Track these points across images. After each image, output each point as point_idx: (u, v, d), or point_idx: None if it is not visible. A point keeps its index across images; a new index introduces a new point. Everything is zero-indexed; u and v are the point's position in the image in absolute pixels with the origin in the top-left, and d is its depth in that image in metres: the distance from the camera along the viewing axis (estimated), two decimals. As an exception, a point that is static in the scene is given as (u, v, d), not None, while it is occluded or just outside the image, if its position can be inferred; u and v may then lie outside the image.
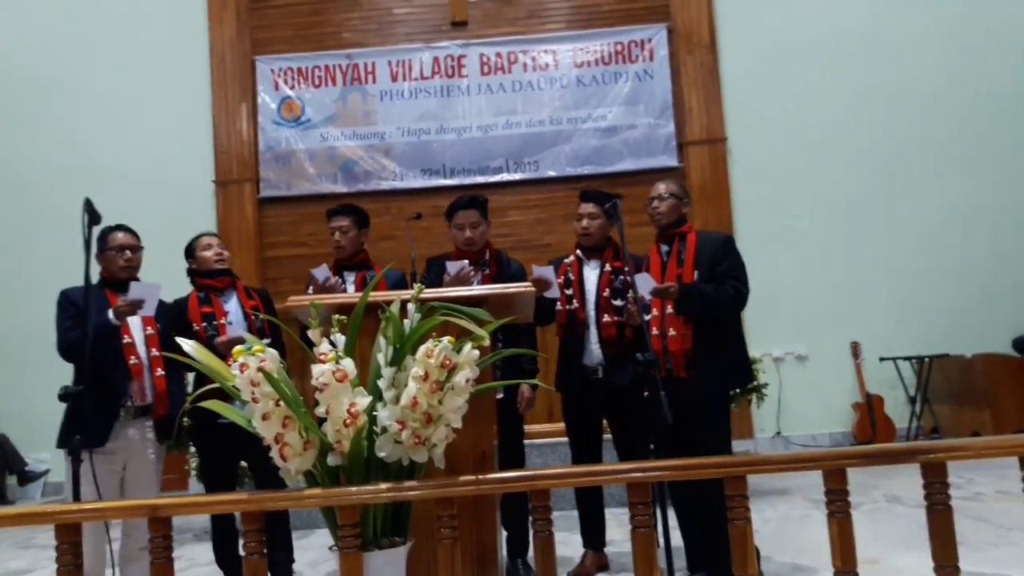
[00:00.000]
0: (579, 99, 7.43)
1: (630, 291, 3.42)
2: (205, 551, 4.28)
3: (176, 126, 7.57)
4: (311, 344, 2.12)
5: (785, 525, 4.35)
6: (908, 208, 7.30)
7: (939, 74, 7.37)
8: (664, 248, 3.40)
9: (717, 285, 3.22)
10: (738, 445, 3.46)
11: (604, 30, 7.50)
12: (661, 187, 3.45)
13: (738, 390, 4.85)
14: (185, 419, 4.10)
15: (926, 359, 6.88)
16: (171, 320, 3.53)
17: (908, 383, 7.06)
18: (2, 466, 6.98)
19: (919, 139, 7.33)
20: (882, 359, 7.03)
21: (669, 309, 3.25)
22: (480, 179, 7.34)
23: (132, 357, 3.33)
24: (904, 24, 7.43)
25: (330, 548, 2.11)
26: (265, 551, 2.00)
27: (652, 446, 3.46)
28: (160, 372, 3.38)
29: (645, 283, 3.17)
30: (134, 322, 3.36)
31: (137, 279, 3.48)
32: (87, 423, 2.91)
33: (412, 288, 2.36)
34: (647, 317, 3.30)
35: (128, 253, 3.47)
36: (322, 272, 3.69)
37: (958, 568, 1.91)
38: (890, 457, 2.02)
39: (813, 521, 4.34)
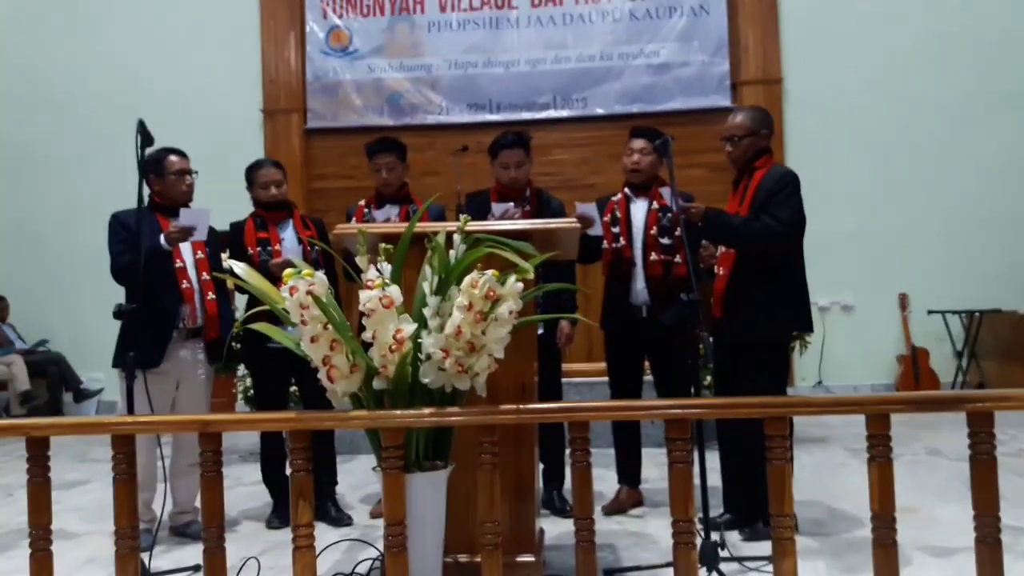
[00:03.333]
0: (631, 34, 7.23)
1: (677, 229, 3.39)
2: (250, 471, 4.44)
3: (225, 54, 7.57)
4: (359, 272, 2.15)
5: (822, 472, 4.35)
6: (965, 157, 7.05)
7: (1001, 18, 7.02)
8: (741, 183, 3.31)
9: (748, 219, 3.11)
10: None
11: (660, -39, 7.24)
12: (738, 121, 3.25)
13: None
14: (235, 343, 4.23)
15: (976, 314, 6.72)
16: (225, 243, 3.59)
17: (956, 337, 6.93)
18: (59, 384, 7.27)
19: (978, 85, 7.03)
20: (930, 312, 6.90)
21: (721, 249, 3.22)
22: (526, 115, 7.24)
23: (184, 281, 3.41)
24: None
25: (373, 469, 2.17)
26: (311, 469, 2.07)
27: (692, 388, 3.46)
28: (211, 296, 3.46)
29: (672, 200, 3.14)
30: (185, 247, 3.43)
31: (187, 204, 3.54)
32: (141, 343, 3.00)
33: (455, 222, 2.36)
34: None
35: (188, 178, 3.52)
36: (383, 213, 3.74)
37: (998, 518, 1.90)
38: (937, 404, 2.00)
39: (850, 470, 4.34)
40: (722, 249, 3.26)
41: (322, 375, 2.05)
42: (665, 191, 3.45)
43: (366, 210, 3.85)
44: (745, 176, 3.26)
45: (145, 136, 2.87)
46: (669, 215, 3.51)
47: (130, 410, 2.84)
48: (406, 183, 3.97)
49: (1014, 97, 7.02)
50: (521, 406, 2.08)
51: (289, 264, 3.35)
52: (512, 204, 3.51)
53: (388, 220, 3.71)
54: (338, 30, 7.50)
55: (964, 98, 7.06)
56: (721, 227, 3.14)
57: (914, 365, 6.80)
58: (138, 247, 3.06)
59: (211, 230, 3.46)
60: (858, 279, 7.04)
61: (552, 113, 7.30)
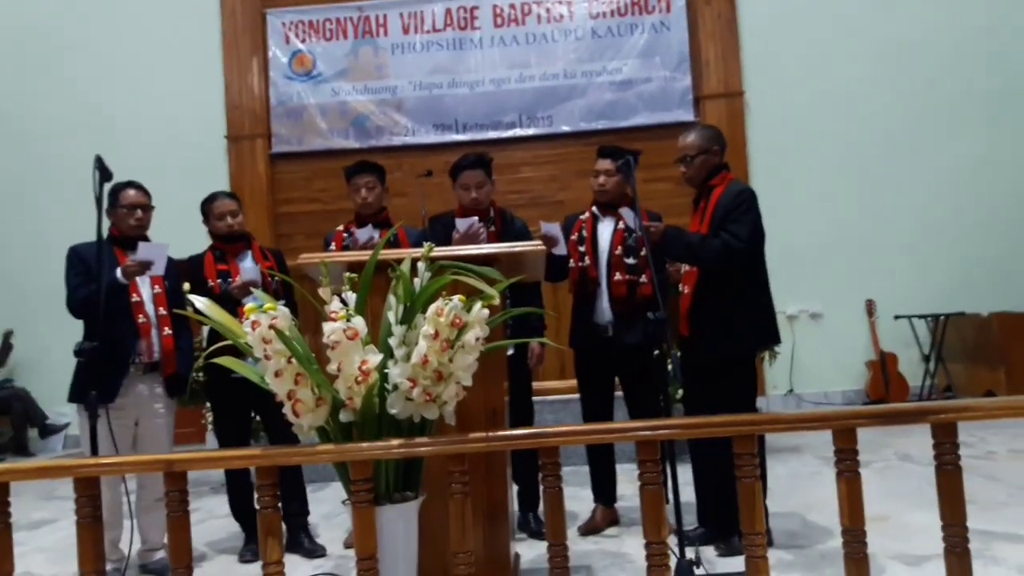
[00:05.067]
0: (594, 52, 7.30)
1: (643, 248, 3.40)
2: (222, 503, 4.36)
3: (188, 81, 7.52)
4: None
5: (796, 482, 4.37)
6: (926, 164, 7.19)
7: (958, 27, 7.20)
8: (700, 202, 3.33)
9: (706, 236, 3.14)
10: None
11: (620, -21, 7.33)
12: (689, 142, 3.28)
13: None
14: (199, 374, 4.17)
15: (941, 317, 6.83)
16: (185, 276, 3.55)
17: (923, 341, 7.03)
18: (23, 420, 7.12)
19: (938, 93, 7.20)
20: (897, 317, 7.00)
21: (686, 267, 3.24)
22: (493, 134, 7.27)
23: (140, 315, 3.36)
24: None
25: (343, 502, 2.14)
26: (279, 505, 2.04)
27: (662, 403, 3.47)
28: (167, 331, 3.41)
29: (634, 221, 3.15)
30: (142, 280, 3.39)
31: (147, 238, 3.49)
32: (97, 378, 2.94)
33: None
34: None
35: (139, 212, 3.47)
36: (365, 232, 3.65)
37: (966, 527, 1.92)
38: (900, 417, 2.02)
39: (824, 478, 4.36)
40: (686, 267, 3.28)
41: (287, 409, 2.02)
42: (626, 212, 3.45)
43: (345, 234, 3.80)
44: (703, 195, 3.29)
45: (103, 172, 2.84)
46: (635, 235, 3.53)
47: (94, 450, 2.78)
48: (385, 207, 3.93)
49: (974, 103, 7.18)
50: (491, 433, 2.06)
51: (252, 284, 3.33)
52: (476, 219, 3.49)
53: (371, 239, 3.63)
54: (301, 55, 7.48)
55: (925, 105, 7.21)
56: (680, 245, 3.16)
57: (883, 370, 6.88)
58: (97, 281, 3.01)
59: (171, 264, 3.41)
60: (825, 287, 7.12)
61: (518, 131, 7.33)
